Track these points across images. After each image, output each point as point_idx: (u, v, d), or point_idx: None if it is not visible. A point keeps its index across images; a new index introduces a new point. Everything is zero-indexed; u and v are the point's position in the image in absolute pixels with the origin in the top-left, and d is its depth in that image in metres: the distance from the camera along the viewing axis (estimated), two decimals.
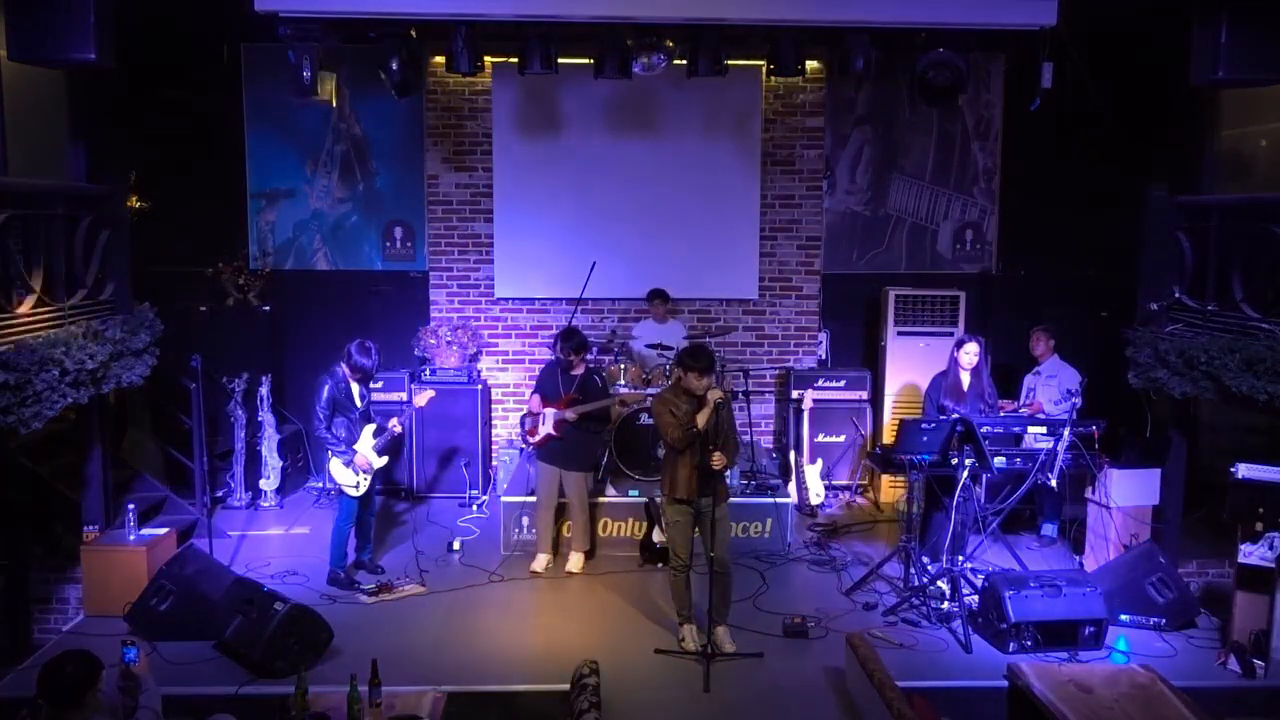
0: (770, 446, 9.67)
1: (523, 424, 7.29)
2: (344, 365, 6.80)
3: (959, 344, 7.20)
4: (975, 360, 7.12)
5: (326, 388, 6.74)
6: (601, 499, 7.64)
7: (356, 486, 6.82)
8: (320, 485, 8.96)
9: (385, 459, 7.00)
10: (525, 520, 7.52)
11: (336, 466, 6.81)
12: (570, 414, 6.99)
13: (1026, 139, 9.21)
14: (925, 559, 6.84)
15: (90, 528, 6.70)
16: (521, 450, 8.54)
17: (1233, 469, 6.13)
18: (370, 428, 6.88)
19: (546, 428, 7.06)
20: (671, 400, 5.91)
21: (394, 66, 7.74)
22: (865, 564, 7.22)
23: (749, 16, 7.80)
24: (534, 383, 7.53)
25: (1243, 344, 5.96)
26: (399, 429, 7.00)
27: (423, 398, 7.24)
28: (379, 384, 8.03)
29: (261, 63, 9.13)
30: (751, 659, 5.87)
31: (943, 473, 6.72)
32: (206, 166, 9.17)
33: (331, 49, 8.48)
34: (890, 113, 9.46)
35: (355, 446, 6.79)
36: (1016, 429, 7.02)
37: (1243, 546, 6.02)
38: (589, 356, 7.74)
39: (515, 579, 7.15)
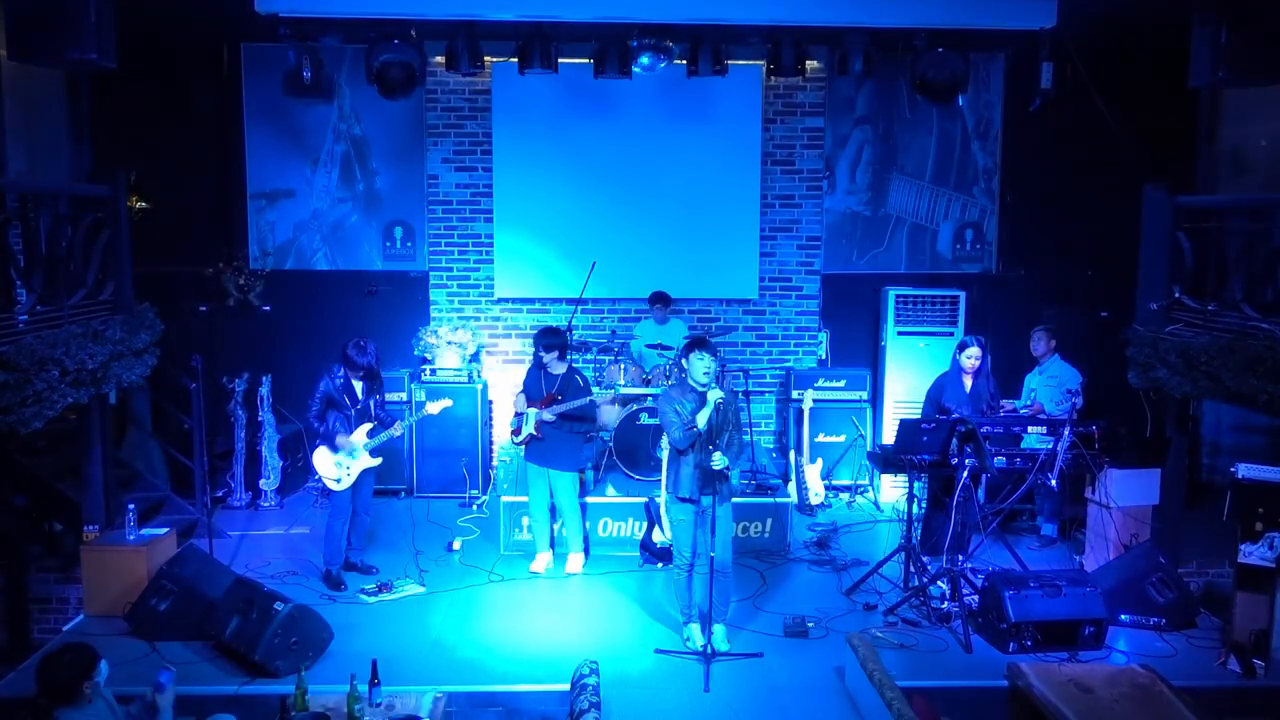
0: (770, 446, 9.67)
1: (512, 424, 7.30)
2: (340, 364, 6.84)
3: (961, 347, 7.22)
4: (977, 363, 7.13)
5: (322, 382, 6.82)
6: (601, 499, 7.64)
7: (338, 481, 6.83)
8: (320, 485, 8.97)
9: (379, 460, 6.98)
10: (525, 520, 7.51)
11: (318, 458, 6.85)
12: (548, 413, 6.98)
13: (1026, 139, 9.22)
14: (925, 559, 6.84)
15: (90, 528, 6.69)
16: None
17: (1233, 469, 6.13)
18: (366, 427, 6.87)
19: (528, 428, 7.06)
20: (676, 398, 5.90)
21: (393, 74, 7.76)
22: (865, 564, 7.22)
23: (749, 17, 7.81)
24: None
25: (1243, 344, 5.96)
26: (399, 431, 6.99)
27: (436, 406, 7.13)
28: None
29: (261, 63, 9.12)
30: (751, 659, 5.87)
31: (943, 473, 6.72)
32: (206, 166, 9.18)
33: (331, 49, 8.50)
34: (890, 113, 9.46)
35: (341, 440, 6.80)
36: (1016, 429, 7.02)
37: (1243, 546, 6.02)
38: (591, 356, 7.78)
39: (515, 579, 7.15)
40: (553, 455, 7.08)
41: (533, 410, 7.05)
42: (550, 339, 7.11)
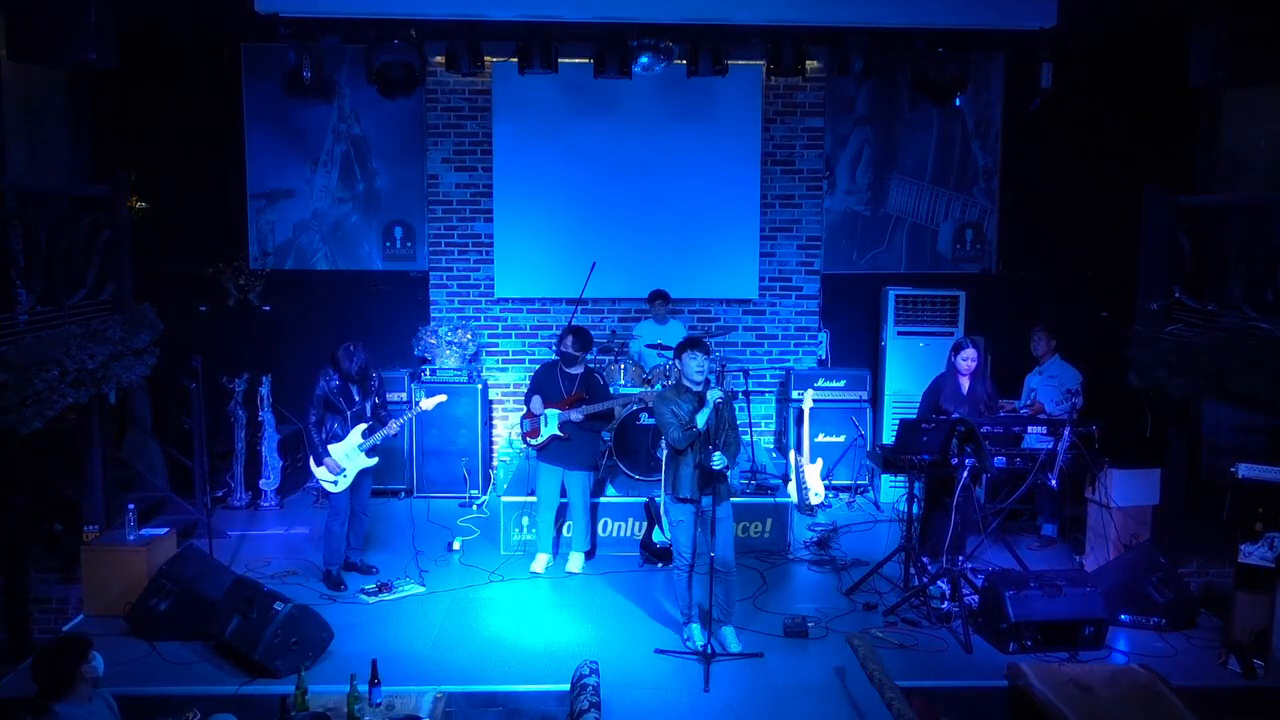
0: (770, 446, 9.67)
1: (522, 425, 7.27)
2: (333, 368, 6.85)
3: (956, 348, 7.20)
4: (973, 365, 7.12)
5: (319, 386, 6.82)
6: (602, 499, 7.64)
7: (335, 483, 6.84)
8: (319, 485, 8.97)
9: (375, 460, 6.98)
10: (525, 520, 7.51)
11: (314, 460, 6.86)
12: (576, 414, 6.97)
13: (1026, 139, 9.22)
14: (925, 559, 6.84)
15: (90, 528, 6.70)
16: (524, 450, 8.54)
17: (1233, 469, 6.13)
18: (360, 427, 6.87)
19: (550, 429, 7.02)
20: (672, 399, 5.91)
21: (393, 74, 7.78)
22: (865, 564, 7.22)
23: (749, 17, 7.81)
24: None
25: (1243, 344, 5.95)
26: (394, 430, 6.99)
27: (431, 402, 7.16)
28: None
29: (261, 63, 9.13)
30: (751, 659, 5.87)
31: (943, 473, 6.71)
32: (206, 166, 9.18)
33: (331, 49, 8.51)
34: (890, 113, 9.46)
35: (334, 445, 6.80)
36: (1016, 429, 7.02)
37: (1243, 546, 6.02)
38: (589, 356, 7.74)
39: (515, 579, 7.15)
40: (573, 455, 7.07)
41: (553, 411, 7.03)
42: (586, 339, 7.11)
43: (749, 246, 9.48)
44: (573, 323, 8.31)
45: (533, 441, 7.15)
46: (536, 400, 7.12)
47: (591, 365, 7.60)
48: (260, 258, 9.40)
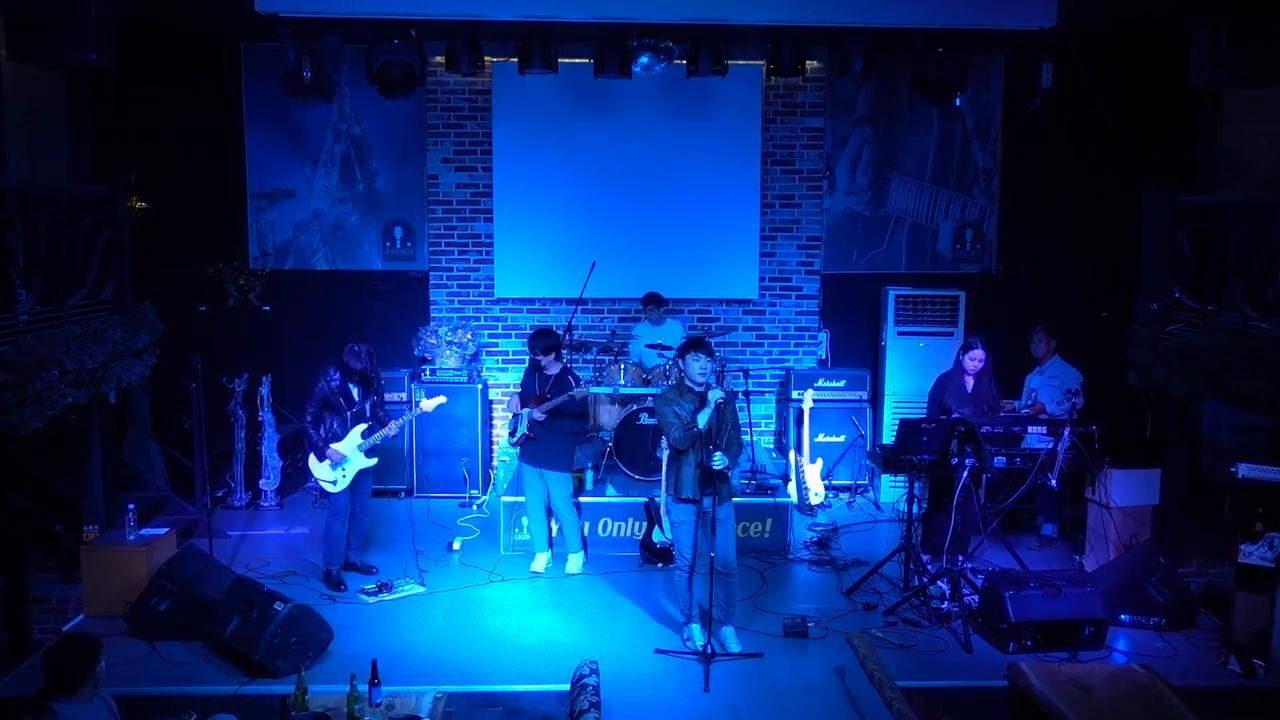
0: (770, 446, 9.67)
1: (510, 425, 7.35)
2: (336, 367, 6.85)
3: (966, 348, 7.23)
4: (980, 365, 7.15)
5: (319, 386, 6.85)
6: (602, 499, 7.64)
7: (334, 484, 6.84)
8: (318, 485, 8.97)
9: (374, 460, 6.98)
10: (525, 520, 7.51)
11: (313, 460, 6.87)
12: (538, 413, 6.99)
13: (1026, 139, 9.22)
14: (925, 559, 6.84)
15: (90, 528, 6.70)
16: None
17: (1233, 469, 6.13)
18: (360, 427, 6.87)
19: (523, 428, 7.08)
20: (674, 399, 5.90)
21: (393, 74, 7.79)
22: (865, 564, 7.22)
23: (749, 17, 7.81)
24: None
25: (1243, 344, 5.95)
26: (394, 430, 6.99)
27: (431, 403, 7.17)
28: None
29: (261, 63, 9.13)
30: (752, 659, 5.87)
31: (943, 473, 6.72)
32: (206, 166, 9.18)
33: (331, 49, 8.52)
34: (890, 113, 9.46)
35: (336, 444, 6.80)
36: (1016, 429, 7.02)
37: (1243, 546, 6.02)
38: (591, 356, 7.77)
39: (515, 579, 7.15)
40: (545, 455, 7.08)
41: (526, 410, 7.06)
42: (545, 341, 7.11)
43: (749, 246, 9.48)
44: (571, 322, 8.33)
45: (511, 441, 7.21)
46: (514, 399, 7.23)
47: (591, 364, 7.61)
48: (260, 258, 9.40)
